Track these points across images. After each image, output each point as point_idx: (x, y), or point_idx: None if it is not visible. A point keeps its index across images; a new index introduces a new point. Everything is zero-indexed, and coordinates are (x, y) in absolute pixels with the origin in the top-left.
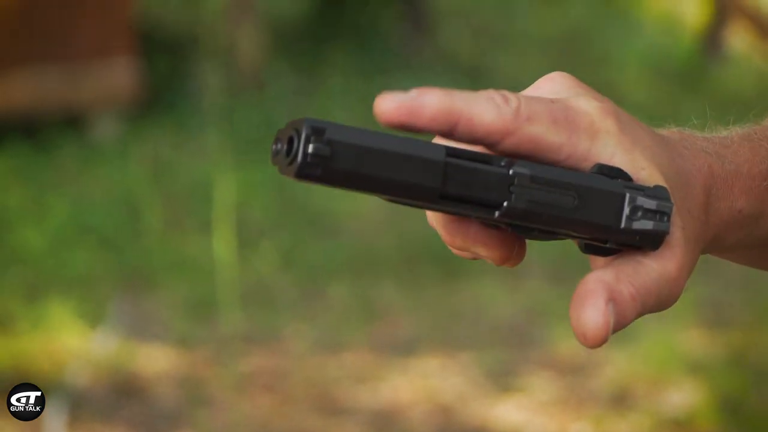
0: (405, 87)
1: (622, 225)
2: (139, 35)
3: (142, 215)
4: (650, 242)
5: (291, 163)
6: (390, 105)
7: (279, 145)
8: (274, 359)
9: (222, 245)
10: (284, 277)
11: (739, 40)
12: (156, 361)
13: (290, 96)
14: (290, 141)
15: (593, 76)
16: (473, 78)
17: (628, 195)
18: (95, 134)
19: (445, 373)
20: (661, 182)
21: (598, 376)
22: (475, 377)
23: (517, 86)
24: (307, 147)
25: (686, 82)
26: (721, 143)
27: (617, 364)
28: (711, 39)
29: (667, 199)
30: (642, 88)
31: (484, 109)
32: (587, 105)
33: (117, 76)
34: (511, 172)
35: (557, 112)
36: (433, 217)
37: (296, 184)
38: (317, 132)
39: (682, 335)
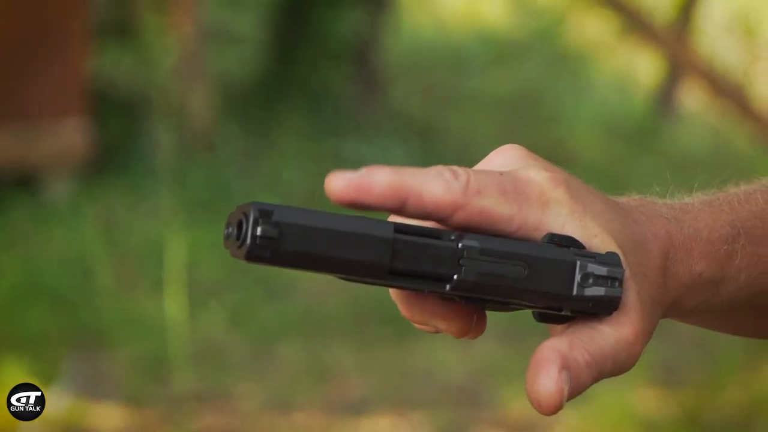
0: (356, 148)
1: (574, 293)
2: (91, 95)
3: (95, 275)
4: (604, 308)
5: (241, 246)
6: (339, 184)
7: (230, 229)
8: (225, 418)
9: (173, 304)
10: (235, 337)
11: (692, 98)
12: (108, 419)
13: (241, 157)
14: (239, 225)
15: (545, 135)
16: (424, 138)
17: (578, 263)
18: (48, 194)
19: None
20: (614, 248)
21: None
22: None
23: (468, 145)
24: (256, 230)
25: (639, 141)
26: (681, 209)
27: (569, 424)
28: (664, 97)
29: (618, 264)
30: (594, 146)
31: (433, 185)
32: (537, 175)
33: (69, 137)
34: (460, 245)
35: (506, 184)
36: (392, 291)
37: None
38: (265, 214)
39: (635, 395)
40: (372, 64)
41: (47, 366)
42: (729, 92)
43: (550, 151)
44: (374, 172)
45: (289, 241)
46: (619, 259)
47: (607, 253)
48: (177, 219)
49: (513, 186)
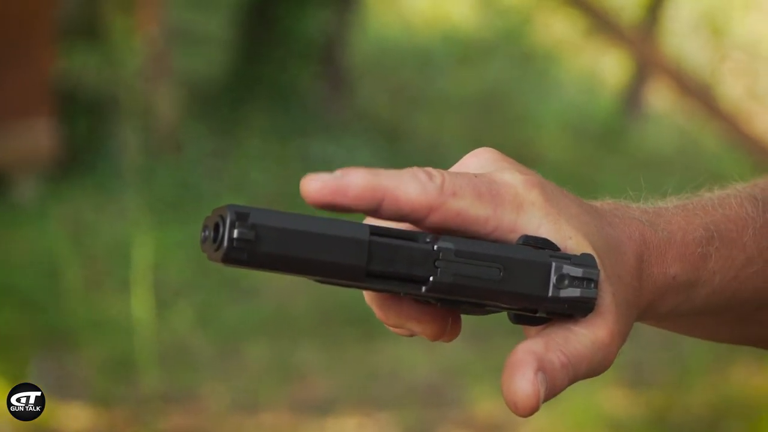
0: (323, 148)
1: (550, 294)
2: (58, 96)
3: (62, 275)
4: (579, 309)
5: (218, 249)
6: (315, 186)
7: (206, 232)
8: (193, 418)
9: (140, 305)
10: (202, 337)
11: (659, 98)
12: (76, 420)
13: (208, 158)
14: (216, 228)
15: (511, 135)
16: (391, 138)
17: (553, 264)
18: (15, 195)
19: None
20: (589, 250)
21: None
22: None
23: (435, 145)
24: (232, 232)
25: (606, 141)
26: (655, 212)
27: (536, 424)
28: (631, 97)
29: (593, 266)
30: (561, 147)
31: (408, 186)
32: (512, 178)
33: (37, 138)
34: (435, 247)
35: (481, 186)
36: (366, 295)
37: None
38: (241, 217)
39: (603, 395)
40: (339, 63)
41: (15, 366)
42: (696, 92)
43: (516, 151)
44: (349, 173)
45: (266, 244)
46: (594, 261)
47: (582, 254)
48: (144, 219)
49: (488, 188)
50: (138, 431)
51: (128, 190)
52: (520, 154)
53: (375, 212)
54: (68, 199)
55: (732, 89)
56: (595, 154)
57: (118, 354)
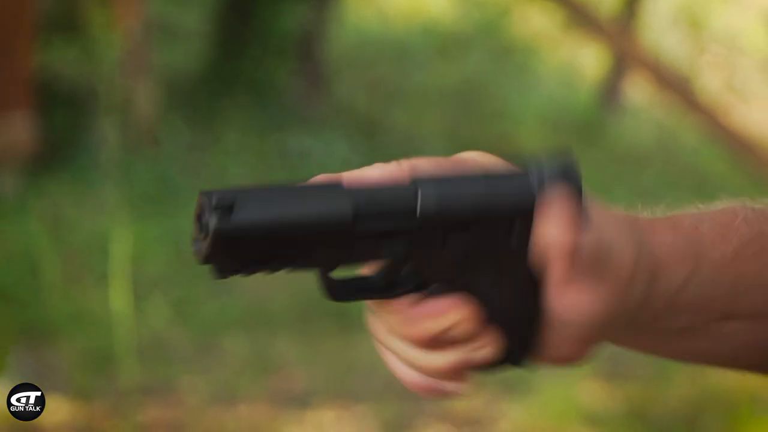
0: (301, 143)
1: (536, 192)
2: (37, 90)
3: (41, 269)
4: (568, 178)
5: (206, 235)
6: None
7: (196, 233)
8: (171, 411)
9: (118, 298)
10: (180, 331)
11: (637, 91)
12: (55, 413)
13: (186, 152)
14: (200, 218)
15: (490, 129)
16: (369, 132)
17: (531, 169)
18: None
19: (341, 426)
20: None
21: (495, 430)
22: (371, 430)
23: (412, 139)
24: (215, 213)
25: (584, 134)
26: (649, 225)
27: (514, 417)
28: (609, 91)
29: (567, 156)
30: (539, 140)
31: (370, 170)
32: (481, 156)
33: (15, 131)
34: (414, 182)
35: (443, 160)
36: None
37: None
38: (224, 198)
39: (581, 387)
40: (317, 58)
41: None
42: (675, 85)
43: (495, 144)
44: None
45: (249, 211)
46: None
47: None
48: (122, 213)
49: (450, 159)
50: (116, 424)
51: (107, 183)
52: (499, 148)
53: None
54: (47, 193)
55: (710, 82)
56: (573, 147)
57: (97, 347)
